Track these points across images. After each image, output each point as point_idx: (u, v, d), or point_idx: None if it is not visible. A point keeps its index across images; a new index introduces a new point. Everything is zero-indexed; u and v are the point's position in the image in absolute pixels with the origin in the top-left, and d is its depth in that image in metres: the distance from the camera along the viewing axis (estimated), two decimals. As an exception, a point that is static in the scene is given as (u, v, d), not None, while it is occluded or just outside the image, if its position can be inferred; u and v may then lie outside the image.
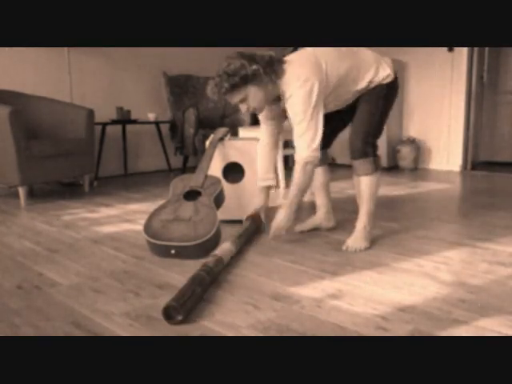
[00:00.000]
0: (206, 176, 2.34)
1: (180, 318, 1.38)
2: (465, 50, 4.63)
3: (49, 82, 4.06)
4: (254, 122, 4.50)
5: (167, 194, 3.48)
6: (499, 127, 5.26)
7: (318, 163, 2.07)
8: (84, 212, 2.97)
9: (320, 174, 2.30)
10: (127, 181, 4.34)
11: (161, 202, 3.22)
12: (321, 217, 2.39)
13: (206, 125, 4.62)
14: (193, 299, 1.44)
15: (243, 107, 2.01)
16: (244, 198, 2.58)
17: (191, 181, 2.31)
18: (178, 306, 1.37)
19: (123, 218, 2.77)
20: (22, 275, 1.83)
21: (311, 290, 1.62)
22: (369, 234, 2.13)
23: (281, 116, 2.27)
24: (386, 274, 1.78)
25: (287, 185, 3.86)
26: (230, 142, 2.60)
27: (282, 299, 1.55)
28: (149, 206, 3.10)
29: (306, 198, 2.44)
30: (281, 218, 2.06)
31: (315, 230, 2.40)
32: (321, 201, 2.36)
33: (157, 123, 4.48)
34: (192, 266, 1.88)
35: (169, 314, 1.39)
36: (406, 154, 4.85)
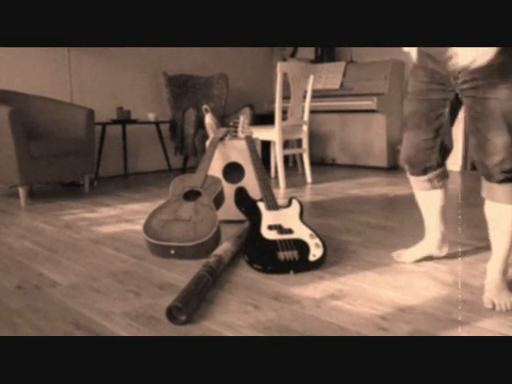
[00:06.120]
0: (206, 176, 2.34)
1: (184, 318, 1.38)
2: (465, 50, 4.63)
3: (49, 82, 4.06)
4: (254, 122, 4.49)
5: (167, 194, 3.47)
6: (499, 127, 5.26)
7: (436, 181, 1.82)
8: (84, 212, 2.97)
9: (440, 195, 1.87)
10: (127, 181, 4.34)
11: (161, 202, 3.21)
12: (434, 244, 1.92)
13: (206, 125, 4.62)
14: (196, 300, 1.44)
15: None
16: (244, 198, 2.57)
17: (191, 181, 2.31)
18: (181, 307, 1.37)
19: (123, 218, 2.77)
20: (22, 275, 1.83)
21: (311, 290, 1.62)
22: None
23: None
24: (386, 274, 1.78)
25: (287, 185, 3.86)
26: (230, 141, 2.60)
27: (282, 299, 1.55)
28: (149, 206, 3.10)
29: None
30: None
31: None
32: (436, 226, 1.90)
33: (157, 123, 4.48)
34: (192, 266, 1.88)
35: (172, 314, 1.39)
36: (406, 154, 4.84)
